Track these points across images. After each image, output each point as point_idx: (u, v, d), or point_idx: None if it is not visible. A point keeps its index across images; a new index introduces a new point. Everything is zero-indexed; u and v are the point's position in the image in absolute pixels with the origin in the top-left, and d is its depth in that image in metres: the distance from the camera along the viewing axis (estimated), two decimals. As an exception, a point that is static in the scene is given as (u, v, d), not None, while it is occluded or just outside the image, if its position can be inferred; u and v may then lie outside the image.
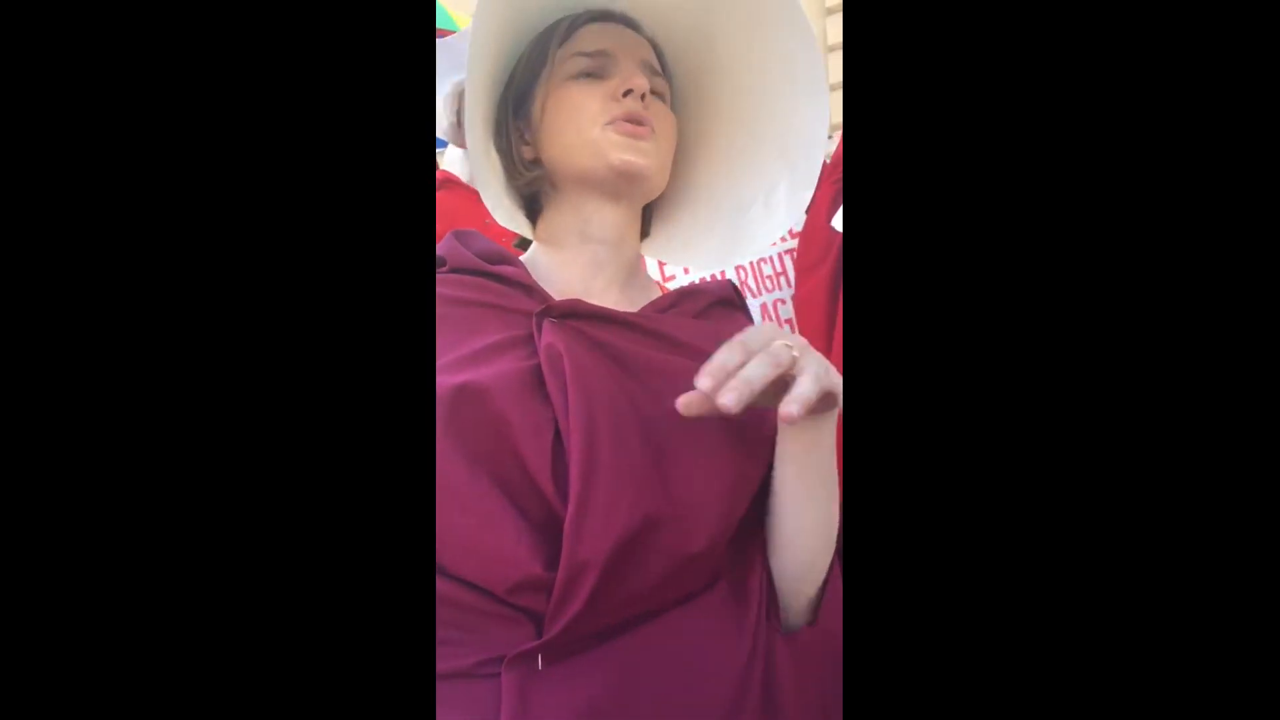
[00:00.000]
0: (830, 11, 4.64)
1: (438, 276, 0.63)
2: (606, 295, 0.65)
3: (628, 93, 0.61)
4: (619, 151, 0.61)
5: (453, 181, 1.44)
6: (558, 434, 0.53)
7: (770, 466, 0.59)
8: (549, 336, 0.56)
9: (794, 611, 0.59)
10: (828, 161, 1.60)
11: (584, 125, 0.61)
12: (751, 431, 0.62)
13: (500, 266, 0.63)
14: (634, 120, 0.61)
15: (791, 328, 1.61)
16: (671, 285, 1.64)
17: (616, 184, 0.63)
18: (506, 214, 0.66)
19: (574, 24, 0.65)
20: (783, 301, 1.62)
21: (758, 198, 0.68)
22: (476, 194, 1.51)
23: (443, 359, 0.55)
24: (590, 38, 0.64)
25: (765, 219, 0.70)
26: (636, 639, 0.51)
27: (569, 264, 0.65)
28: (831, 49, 4.68)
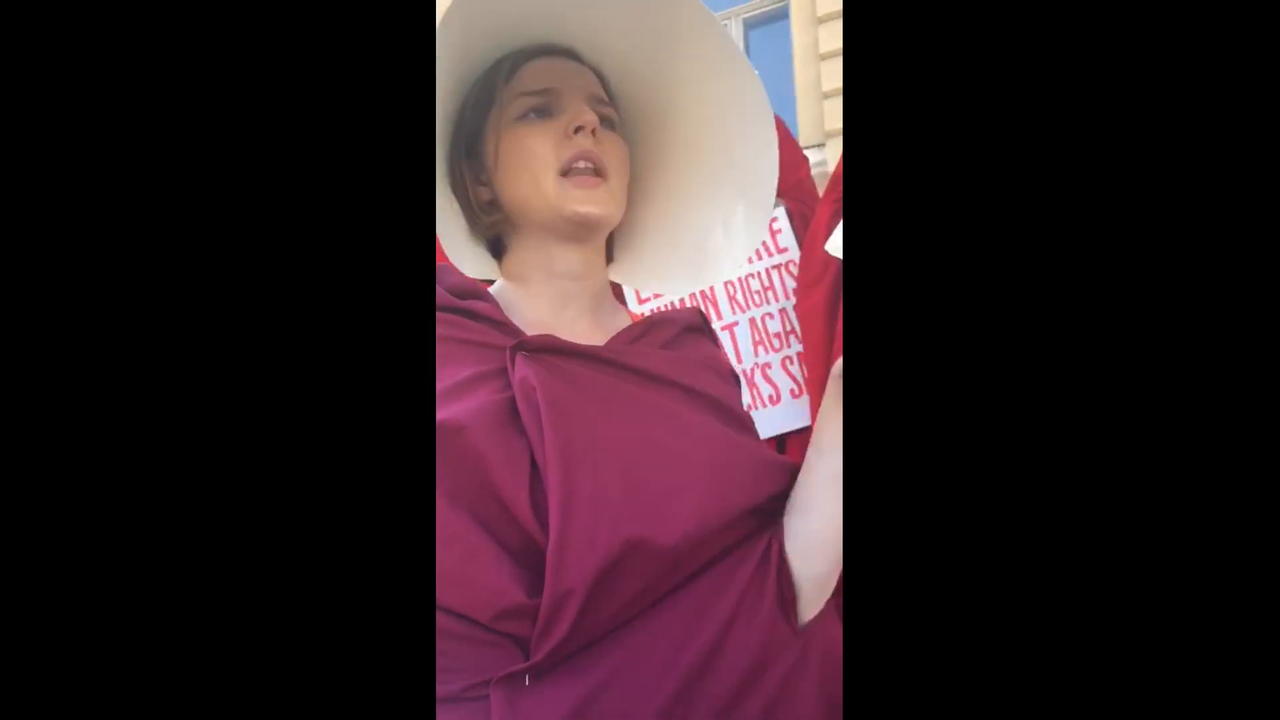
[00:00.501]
0: (822, 20, 4.67)
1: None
2: (577, 326, 0.67)
3: (578, 129, 0.63)
4: (576, 204, 0.63)
5: None
6: (534, 465, 0.55)
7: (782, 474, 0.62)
8: (522, 370, 0.58)
9: (811, 604, 0.61)
10: (827, 177, 1.63)
11: (539, 173, 0.63)
12: (734, 428, 0.65)
13: (471, 301, 0.65)
14: (587, 160, 0.63)
15: (780, 341, 1.63)
16: (649, 305, 1.67)
17: (576, 230, 0.65)
18: (472, 262, 0.68)
19: (516, 61, 0.66)
20: (770, 316, 1.64)
21: (716, 225, 0.70)
22: None
23: None
24: (534, 75, 0.65)
25: (727, 245, 0.71)
26: (621, 640, 0.53)
27: (537, 297, 0.67)
28: (824, 57, 4.70)
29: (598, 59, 0.70)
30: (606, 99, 0.68)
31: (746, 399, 1.54)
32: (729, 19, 5.04)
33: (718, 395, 0.67)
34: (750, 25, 5.16)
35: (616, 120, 0.69)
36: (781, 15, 4.99)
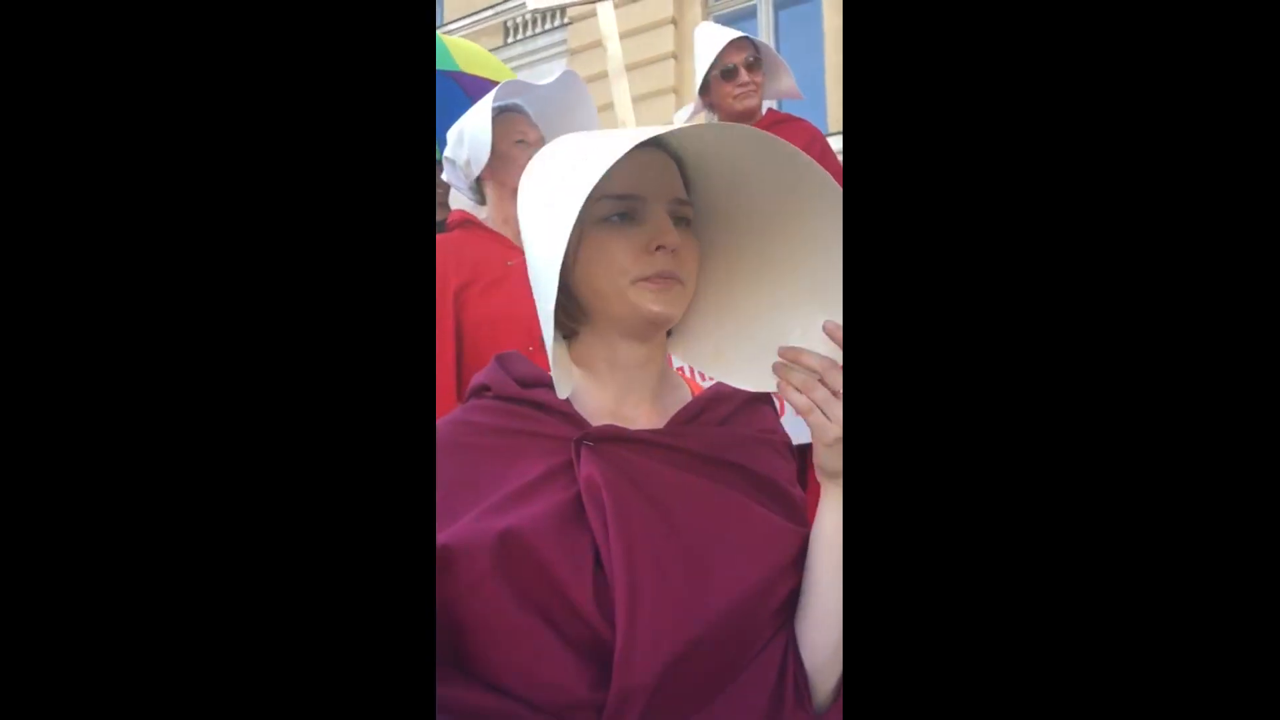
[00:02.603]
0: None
1: (481, 403, 0.66)
2: (638, 411, 0.68)
3: (659, 248, 0.62)
4: (650, 305, 0.62)
5: (473, 222, 1.45)
6: (598, 560, 0.57)
7: (803, 548, 0.64)
8: (588, 468, 0.59)
9: (823, 694, 0.63)
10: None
11: (615, 276, 0.62)
12: (784, 511, 0.66)
13: (536, 391, 0.65)
14: (666, 277, 0.62)
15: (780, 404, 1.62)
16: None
17: (645, 329, 0.65)
18: (563, 372, 0.65)
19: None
20: None
21: (794, 329, 0.67)
22: (496, 234, 1.50)
23: (487, 499, 0.58)
24: (621, 178, 0.64)
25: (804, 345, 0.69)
26: None
27: (601, 388, 0.68)
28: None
29: (679, 146, 0.68)
30: (686, 196, 0.67)
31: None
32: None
33: (772, 475, 0.68)
34: (780, 6, 5.05)
35: (692, 216, 0.68)
36: (813, -3, 4.88)
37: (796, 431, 0.78)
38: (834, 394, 0.59)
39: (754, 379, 0.68)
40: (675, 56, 5.31)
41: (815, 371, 0.60)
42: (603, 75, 1.81)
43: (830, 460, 0.61)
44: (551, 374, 0.60)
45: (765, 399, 0.75)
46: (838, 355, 0.62)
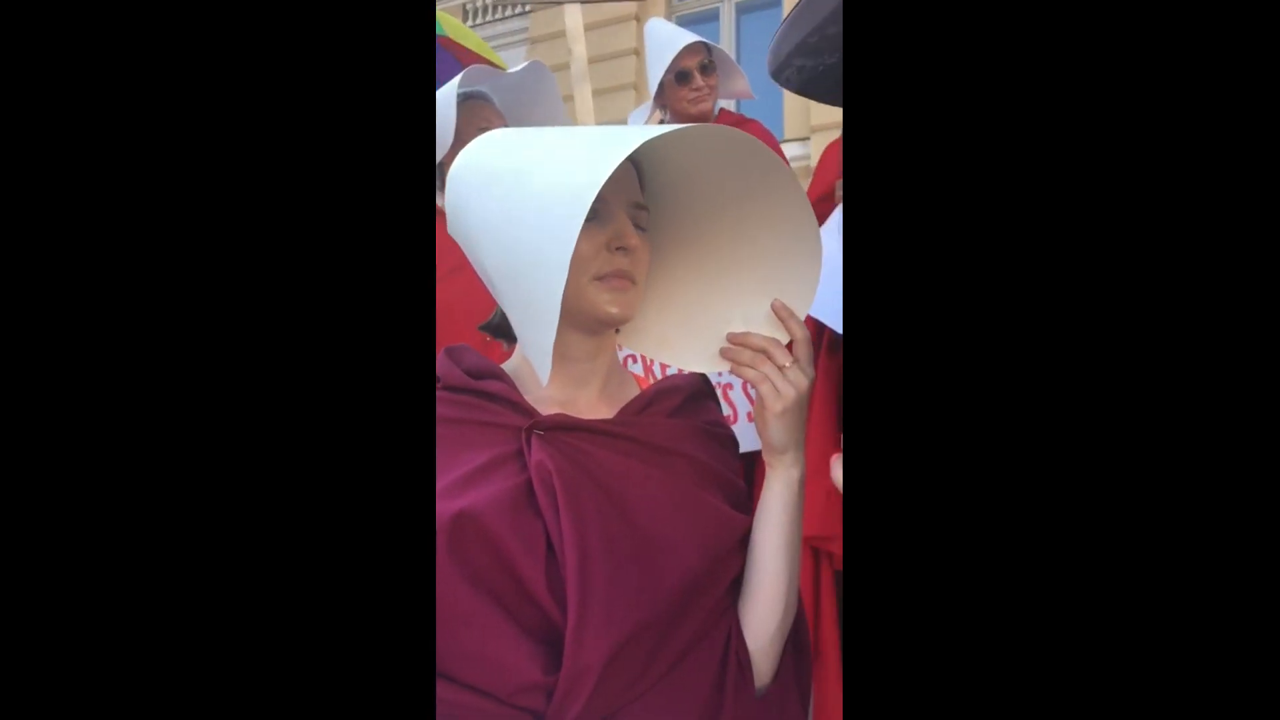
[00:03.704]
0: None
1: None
2: (588, 402, 0.70)
3: (619, 249, 0.65)
4: (608, 307, 0.65)
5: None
6: (549, 545, 0.59)
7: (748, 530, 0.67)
8: (538, 454, 0.61)
9: (763, 674, 0.67)
10: (809, 171, 1.65)
11: (575, 273, 0.63)
12: (729, 499, 0.70)
13: (486, 382, 0.67)
14: (623, 277, 0.65)
15: (734, 414, 1.66)
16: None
17: (597, 326, 0.68)
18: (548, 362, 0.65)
19: None
20: (730, 386, 1.66)
21: (735, 316, 0.71)
22: None
23: (440, 481, 0.60)
24: None
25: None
26: (630, 713, 0.58)
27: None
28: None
29: (640, 153, 0.70)
30: (643, 200, 0.69)
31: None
32: (721, 1, 4.98)
33: (718, 464, 0.72)
34: (742, 10, 5.11)
35: (648, 220, 0.70)
36: (775, 2, 4.95)
37: (744, 439, 0.82)
38: (779, 368, 0.65)
39: (700, 362, 0.72)
40: (636, 53, 5.32)
41: (762, 350, 0.66)
42: (564, 66, 1.82)
43: (777, 433, 0.66)
44: (539, 364, 0.61)
45: (710, 395, 0.78)
46: (781, 335, 0.67)
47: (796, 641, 0.71)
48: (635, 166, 0.70)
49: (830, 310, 1.49)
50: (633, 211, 0.67)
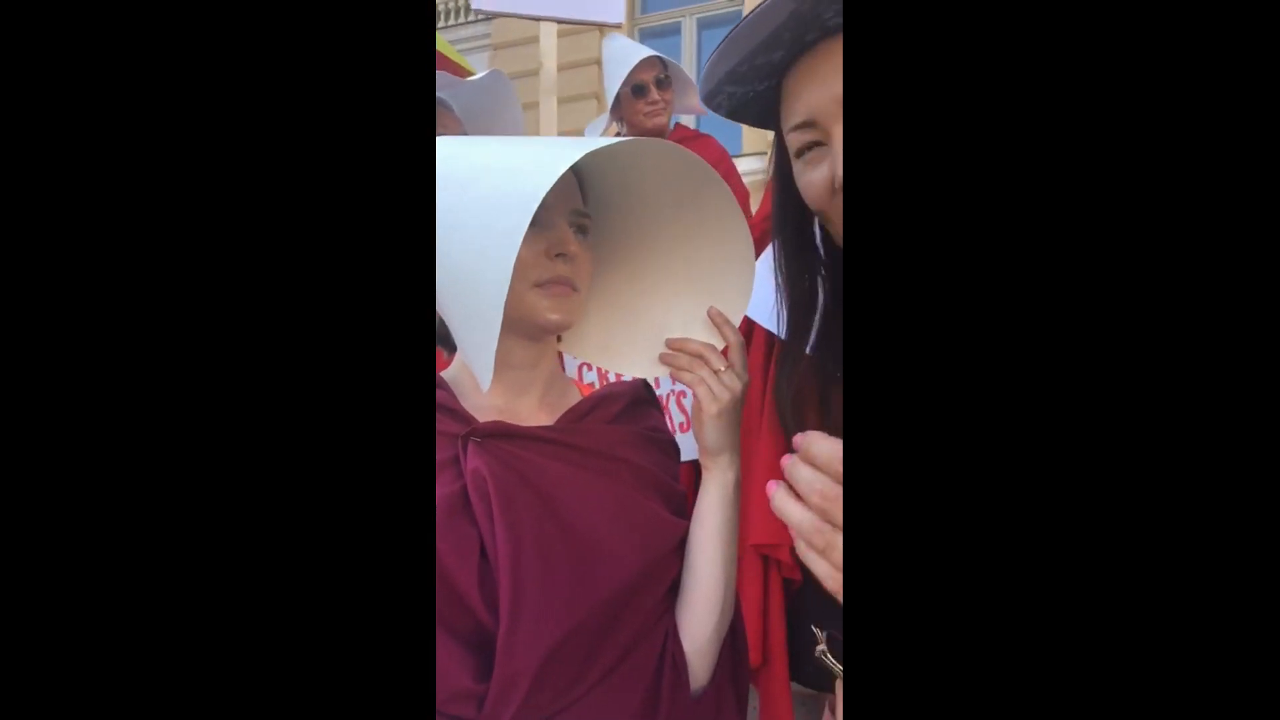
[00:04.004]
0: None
1: None
2: (528, 409, 0.71)
3: (559, 255, 0.66)
4: (546, 313, 0.66)
5: None
6: (483, 552, 0.60)
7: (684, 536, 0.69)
8: (474, 461, 0.62)
9: (700, 676, 0.68)
10: (763, 186, 1.70)
11: (515, 279, 0.65)
12: (668, 504, 0.71)
13: None
14: (563, 284, 0.66)
15: (687, 421, 1.69)
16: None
17: (538, 333, 0.69)
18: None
19: None
20: (684, 393, 1.69)
21: (674, 322, 0.74)
22: None
23: None
24: None
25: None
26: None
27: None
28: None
29: (583, 163, 0.71)
30: (584, 208, 0.71)
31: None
32: (683, 16, 5.05)
33: (658, 470, 0.73)
34: (704, 25, 5.18)
35: (590, 226, 0.71)
36: (736, 18, 5.04)
37: (689, 447, 0.85)
38: (715, 372, 0.68)
39: (640, 367, 0.74)
40: (599, 63, 5.36)
41: (699, 356, 0.69)
42: (525, 74, 1.83)
43: (713, 436, 0.68)
44: (479, 372, 0.61)
45: (652, 401, 0.80)
46: (718, 341, 0.70)
47: (734, 643, 0.72)
48: (577, 176, 0.71)
49: (766, 313, 1.53)
50: (574, 218, 0.68)
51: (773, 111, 0.61)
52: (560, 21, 1.69)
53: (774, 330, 0.85)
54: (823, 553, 0.40)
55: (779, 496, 0.41)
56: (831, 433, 0.61)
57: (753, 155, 4.67)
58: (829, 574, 0.39)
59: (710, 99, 0.61)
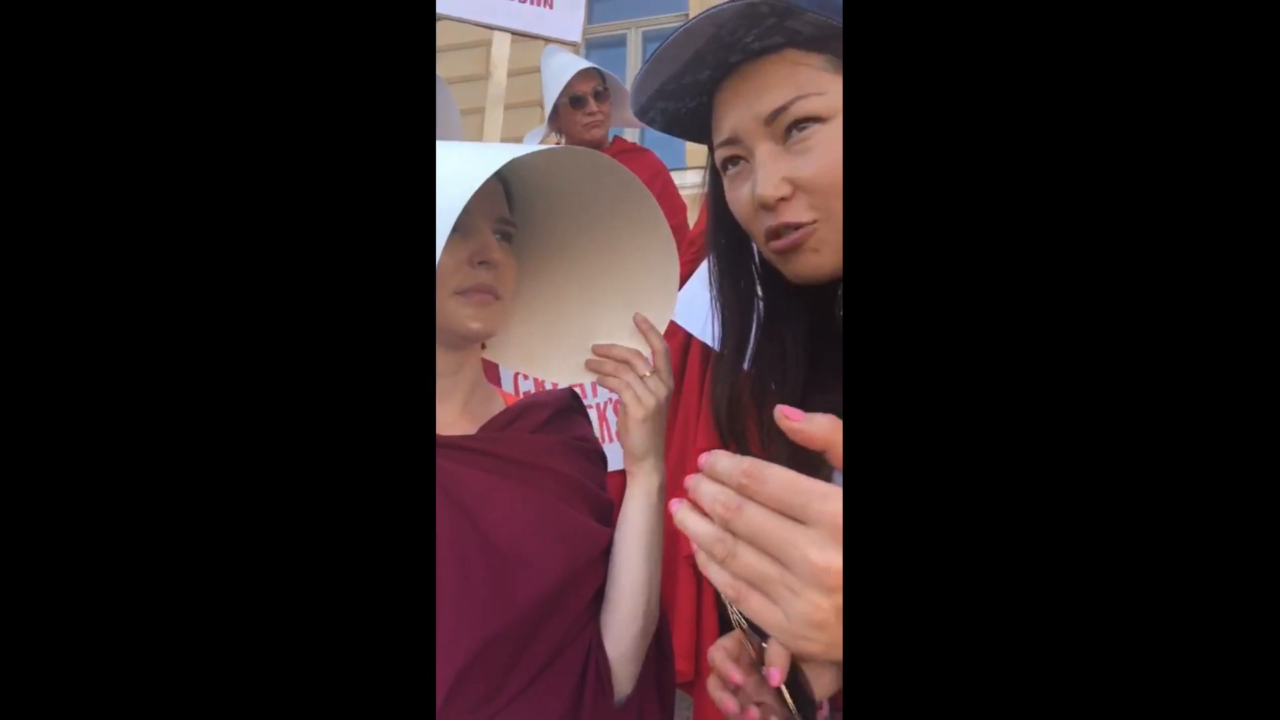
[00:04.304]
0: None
1: None
2: (449, 416, 0.70)
3: (482, 263, 0.66)
4: (470, 322, 0.66)
5: None
6: None
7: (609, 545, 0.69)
8: None
9: (623, 683, 0.68)
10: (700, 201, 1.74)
11: (437, 287, 0.65)
12: (594, 513, 0.71)
13: None
14: (486, 292, 0.66)
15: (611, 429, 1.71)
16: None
17: (461, 341, 0.69)
18: None
19: None
20: (617, 401, 1.71)
21: (600, 328, 0.74)
22: None
23: None
24: None
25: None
26: None
27: None
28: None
29: (509, 171, 0.71)
30: (509, 216, 0.71)
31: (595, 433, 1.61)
32: (628, 29, 5.09)
33: (584, 478, 0.73)
34: (650, 38, 5.24)
35: (515, 233, 0.71)
36: (681, 33, 5.10)
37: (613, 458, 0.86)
38: (640, 377, 0.69)
39: (566, 374, 0.75)
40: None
41: (624, 362, 0.69)
42: (465, 79, 1.82)
43: (638, 440, 0.69)
44: None
45: (579, 410, 0.80)
46: (643, 347, 0.71)
47: (659, 650, 0.73)
48: (503, 184, 0.71)
49: (697, 323, 1.56)
50: (499, 227, 0.68)
51: (705, 127, 0.62)
52: (518, 34, 1.69)
53: (708, 342, 0.87)
54: (722, 562, 0.40)
55: (681, 511, 0.42)
56: (768, 444, 0.62)
57: (694, 169, 4.74)
58: (728, 583, 0.40)
59: (643, 114, 0.62)
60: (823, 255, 0.55)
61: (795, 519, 0.37)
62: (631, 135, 2.68)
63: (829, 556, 0.36)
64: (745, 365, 0.66)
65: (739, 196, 0.59)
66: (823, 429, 0.40)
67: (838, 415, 0.41)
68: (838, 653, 0.37)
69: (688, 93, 0.59)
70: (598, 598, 0.69)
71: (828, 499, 0.37)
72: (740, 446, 0.65)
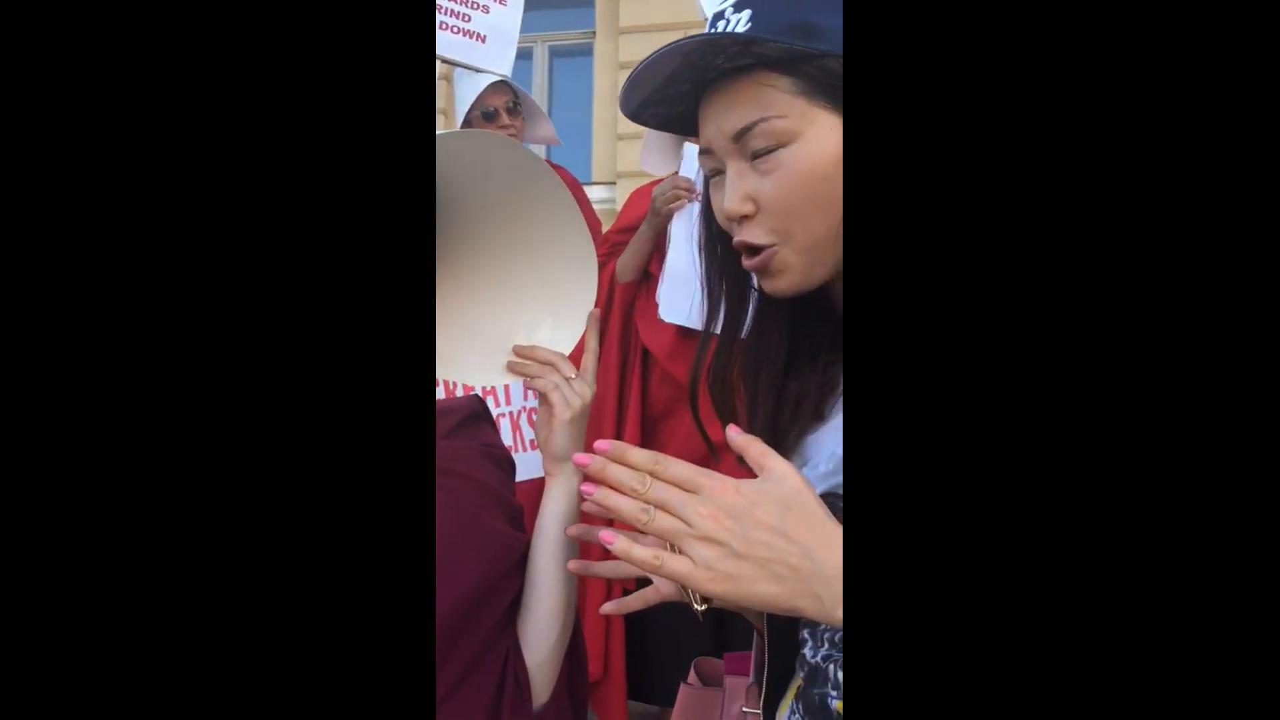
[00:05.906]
0: (624, 66, 4.91)
1: None
2: None
3: None
4: None
5: None
6: None
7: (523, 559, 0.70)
8: None
9: (541, 690, 0.70)
10: (614, 215, 1.78)
11: None
12: (507, 519, 0.72)
13: None
14: None
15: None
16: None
17: None
18: None
19: None
20: (534, 410, 1.72)
21: (520, 328, 0.76)
22: None
23: None
24: None
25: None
26: None
27: None
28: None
29: None
30: None
31: (509, 440, 1.61)
32: (534, 43, 5.11)
33: (494, 483, 0.74)
34: (556, 54, 5.27)
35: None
36: (588, 51, 5.17)
37: (534, 467, 0.87)
38: (566, 379, 0.71)
39: (485, 376, 0.76)
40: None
41: (549, 363, 0.72)
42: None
43: (561, 442, 0.70)
44: None
45: (486, 417, 0.82)
46: (565, 348, 0.73)
47: (574, 656, 0.74)
48: None
49: (683, 313, 1.61)
50: None
51: (697, 128, 0.63)
52: (449, 64, 1.69)
53: (696, 326, 0.87)
54: (644, 528, 0.45)
55: (600, 493, 0.47)
56: (750, 429, 0.62)
57: (601, 185, 4.80)
58: (650, 557, 0.45)
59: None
60: (788, 277, 0.57)
61: (691, 492, 0.46)
62: (539, 151, 2.70)
63: (716, 513, 0.45)
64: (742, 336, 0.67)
65: (717, 205, 0.61)
66: (638, 457, 0.47)
67: (812, 402, 0.56)
68: (739, 598, 0.45)
69: (673, 101, 0.60)
70: (514, 606, 0.70)
71: (714, 477, 0.46)
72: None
